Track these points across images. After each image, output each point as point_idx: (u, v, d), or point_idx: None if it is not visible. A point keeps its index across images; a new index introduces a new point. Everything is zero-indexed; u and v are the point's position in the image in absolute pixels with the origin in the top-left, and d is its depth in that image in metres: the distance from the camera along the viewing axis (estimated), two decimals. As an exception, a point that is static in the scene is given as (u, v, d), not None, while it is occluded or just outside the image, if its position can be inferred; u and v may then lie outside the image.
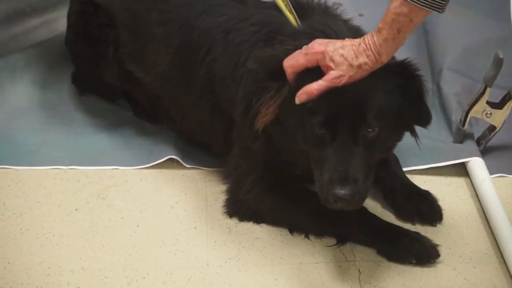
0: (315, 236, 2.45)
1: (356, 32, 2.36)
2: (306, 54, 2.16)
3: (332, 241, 2.43)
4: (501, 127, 2.70)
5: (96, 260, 2.38)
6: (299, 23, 2.38)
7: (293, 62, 2.18)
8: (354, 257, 2.39)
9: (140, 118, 2.87)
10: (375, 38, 2.13)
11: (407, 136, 2.36)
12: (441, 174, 2.68)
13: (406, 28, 2.12)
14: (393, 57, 2.27)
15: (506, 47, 2.94)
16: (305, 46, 2.19)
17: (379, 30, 2.13)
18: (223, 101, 2.48)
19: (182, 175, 2.66)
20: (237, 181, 2.52)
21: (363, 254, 2.40)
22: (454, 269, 2.38)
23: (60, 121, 2.84)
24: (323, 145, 2.18)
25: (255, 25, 2.44)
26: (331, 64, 2.13)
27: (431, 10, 2.10)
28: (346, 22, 2.47)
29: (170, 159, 2.68)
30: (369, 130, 2.18)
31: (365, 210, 2.41)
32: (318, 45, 2.16)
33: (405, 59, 2.26)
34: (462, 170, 2.69)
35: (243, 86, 2.38)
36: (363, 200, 2.22)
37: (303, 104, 2.17)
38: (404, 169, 2.62)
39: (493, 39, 3.11)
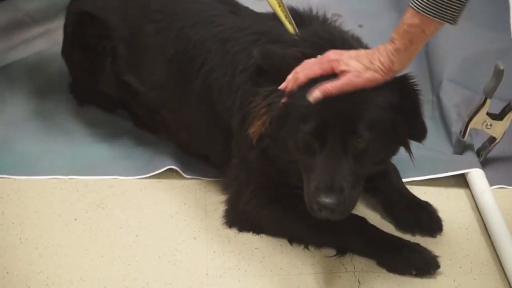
0: (314, 247, 2.45)
1: (358, 42, 2.39)
2: (321, 63, 2.18)
3: (332, 251, 2.43)
4: (501, 138, 2.71)
5: (95, 270, 2.38)
6: (297, 32, 2.39)
7: (309, 72, 2.19)
8: (354, 268, 2.40)
9: (140, 128, 2.87)
10: (388, 47, 2.16)
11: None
12: (441, 185, 2.68)
13: (418, 39, 2.16)
14: None
15: (506, 59, 2.96)
16: (319, 56, 2.21)
17: (392, 40, 2.16)
18: (220, 111, 2.49)
19: (182, 185, 2.67)
20: (237, 192, 2.53)
21: (362, 265, 2.40)
22: (454, 280, 2.38)
23: (60, 131, 2.85)
24: (313, 153, 2.19)
25: (253, 34, 2.45)
26: (346, 68, 2.15)
27: (443, 22, 2.11)
28: (346, 32, 2.49)
29: (170, 169, 2.69)
30: (358, 140, 2.18)
31: (364, 220, 2.41)
32: (334, 54, 2.18)
33: (404, 73, 2.26)
34: (462, 181, 2.70)
35: (240, 95, 2.39)
36: (349, 210, 2.22)
37: (295, 111, 2.19)
38: (404, 180, 2.63)
39: (493, 50, 3.12)
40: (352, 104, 2.16)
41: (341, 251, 2.42)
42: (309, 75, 2.18)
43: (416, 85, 2.27)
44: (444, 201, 2.62)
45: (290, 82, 2.21)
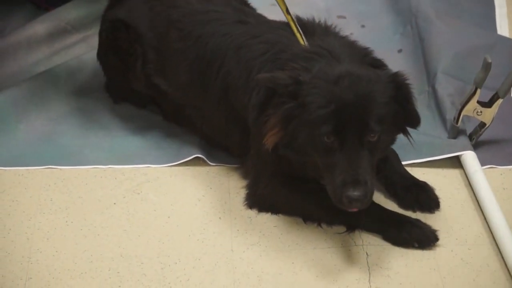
0: (326, 225, 2.45)
1: (350, 47, 2.39)
2: None
3: (342, 228, 2.43)
4: (491, 123, 2.69)
5: (133, 248, 2.39)
6: (305, 42, 2.39)
7: None
8: (362, 242, 2.39)
9: (168, 121, 2.86)
10: None
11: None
12: (438, 167, 2.66)
13: None
14: (386, 68, 2.32)
15: (493, 53, 2.93)
16: None
17: None
18: (237, 108, 2.49)
19: (207, 172, 2.66)
20: (255, 178, 2.53)
21: (370, 239, 2.40)
22: (452, 250, 2.37)
23: (98, 125, 2.84)
24: (332, 152, 2.19)
25: (264, 43, 2.45)
26: None
27: None
28: (342, 38, 2.48)
29: (196, 157, 2.68)
30: (372, 135, 2.19)
31: (372, 202, 2.39)
32: None
33: (397, 71, 2.28)
34: (456, 163, 2.68)
35: (254, 96, 2.38)
36: (371, 198, 2.23)
37: (310, 118, 2.19)
38: (405, 162, 2.61)
39: (481, 45, 3.09)
40: (361, 105, 2.17)
41: (350, 228, 2.42)
42: None
43: (407, 79, 2.28)
44: (441, 180, 2.61)
45: None
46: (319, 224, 2.45)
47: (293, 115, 2.23)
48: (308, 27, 2.47)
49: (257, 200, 2.52)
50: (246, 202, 2.53)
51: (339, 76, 2.20)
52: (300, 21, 2.47)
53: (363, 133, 2.17)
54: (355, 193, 2.14)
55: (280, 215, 2.49)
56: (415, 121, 2.32)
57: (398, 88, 2.25)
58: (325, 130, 2.18)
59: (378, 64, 2.38)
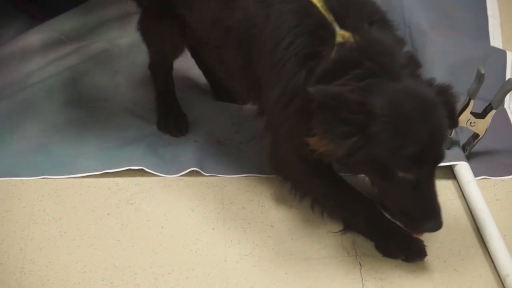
0: (328, 214, 2.46)
1: (399, 48, 2.28)
2: None
3: (338, 228, 2.44)
4: (484, 134, 2.70)
5: (126, 259, 2.39)
6: (336, 24, 2.21)
7: None
8: (356, 252, 2.40)
9: (162, 131, 2.87)
10: None
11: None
12: (431, 177, 2.67)
13: None
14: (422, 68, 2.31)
15: (486, 64, 2.95)
16: None
17: None
18: (256, 68, 2.40)
19: (201, 182, 2.66)
20: (272, 145, 2.50)
21: (363, 249, 2.40)
22: (445, 261, 2.38)
23: (92, 135, 2.84)
24: (406, 184, 2.18)
25: (295, 14, 2.27)
26: None
27: None
28: (384, 29, 2.31)
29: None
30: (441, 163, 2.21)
31: (373, 206, 2.39)
32: None
33: (447, 85, 2.28)
34: (449, 173, 2.69)
35: (281, 71, 2.26)
36: None
37: (386, 155, 2.14)
38: (399, 173, 2.62)
39: (475, 56, 3.10)
40: (436, 137, 2.17)
41: (346, 228, 2.42)
42: None
43: (454, 92, 2.30)
44: (434, 191, 2.62)
45: None
46: (322, 212, 2.46)
47: (360, 146, 2.15)
48: (349, 8, 2.26)
49: (276, 164, 2.51)
50: (267, 162, 2.54)
51: (411, 107, 2.15)
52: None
53: (435, 163, 2.19)
54: (435, 227, 2.21)
55: (274, 225, 2.49)
56: (455, 125, 2.38)
57: (448, 104, 2.25)
58: (404, 170, 2.16)
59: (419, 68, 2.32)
